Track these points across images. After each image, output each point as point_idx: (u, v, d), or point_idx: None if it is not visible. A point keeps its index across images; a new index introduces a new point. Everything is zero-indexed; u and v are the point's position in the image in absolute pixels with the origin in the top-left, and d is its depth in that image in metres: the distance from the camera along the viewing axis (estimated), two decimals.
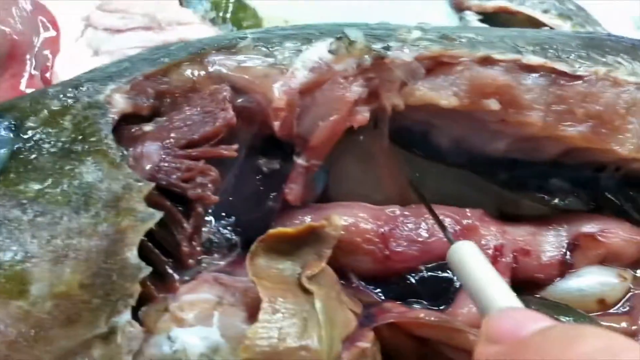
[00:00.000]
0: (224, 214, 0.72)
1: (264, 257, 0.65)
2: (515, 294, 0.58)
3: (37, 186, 0.64)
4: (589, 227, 0.78)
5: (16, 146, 0.66)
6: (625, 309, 0.76)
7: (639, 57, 0.80)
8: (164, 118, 0.70)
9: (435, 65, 0.74)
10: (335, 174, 0.77)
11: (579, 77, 0.75)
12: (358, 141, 0.76)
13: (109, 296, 0.61)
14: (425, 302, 0.73)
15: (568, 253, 0.77)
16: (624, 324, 0.75)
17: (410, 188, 0.77)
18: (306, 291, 0.64)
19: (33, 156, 0.66)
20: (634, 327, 0.75)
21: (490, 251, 0.74)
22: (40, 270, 0.61)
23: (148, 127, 0.70)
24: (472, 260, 0.61)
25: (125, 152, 0.67)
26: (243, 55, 0.73)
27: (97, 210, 0.63)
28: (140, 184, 0.64)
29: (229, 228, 0.72)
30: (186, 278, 0.67)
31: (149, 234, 0.65)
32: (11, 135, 0.67)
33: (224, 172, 0.71)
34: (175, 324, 0.63)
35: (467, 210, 0.76)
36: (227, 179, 0.72)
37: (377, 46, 0.73)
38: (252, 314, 0.63)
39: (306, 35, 0.75)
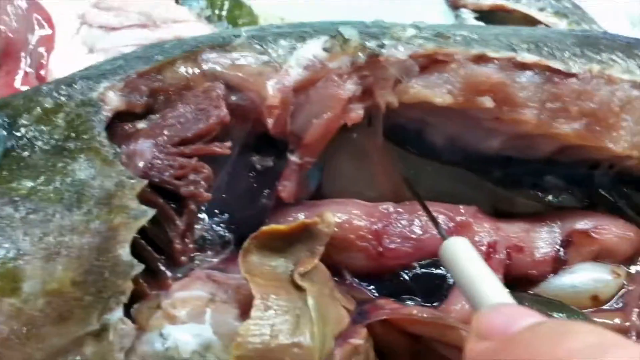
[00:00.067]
0: (217, 211, 0.72)
1: (256, 254, 0.65)
2: (507, 291, 0.58)
3: (29, 184, 0.64)
4: (582, 224, 0.78)
5: (9, 144, 0.66)
6: (618, 306, 0.76)
7: (633, 55, 0.80)
8: (158, 116, 0.70)
9: (430, 63, 0.74)
10: (329, 171, 0.77)
11: (573, 75, 0.75)
12: (352, 139, 0.76)
13: (101, 293, 0.61)
14: (418, 299, 0.73)
15: (562, 249, 0.77)
16: (617, 320, 0.75)
17: (405, 185, 0.77)
18: (299, 288, 0.64)
19: (26, 154, 0.66)
20: (627, 323, 0.75)
21: (483, 248, 0.74)
22: (33, 267, 0.61)
23: (141, 125, 0.70)
24: (464, 257, 0.61)
25: (118, 150, 0.67)
26: (237, 53, 0.73)
27: (90, 207, 0.63)
28: (132, 181, 0.64)
29: (222, 225, 0.72)
30: (179, 275, 0.67)
31: (142, 231, 0.65)
32: (4, 132, 0.67)
33: (218, 170, 0.71)
34: (167, 321, 0.63)
35: (461, 207, 0.76)
36: (221, 176, 0.72)
37: (372, 44, 0.73)
38: (245, 311, 0.63)
39: (301, 33, 0.75)
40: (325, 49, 0.73)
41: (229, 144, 0.69)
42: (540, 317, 0.50)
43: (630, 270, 0.78)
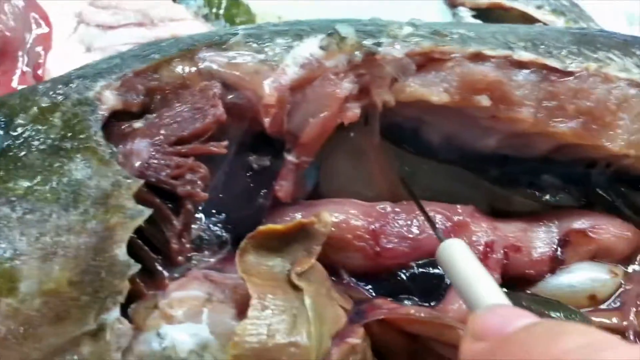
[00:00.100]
0: (214, 211, 0.72)
1: (253, 253, 0.65)
2: (503, 292, 0.58)
3: (26, 183, 0.64)
4: (580, 223, 0.78)
5: (5, 143, 0.66)
6: (616, 305, 0.76)
7: (630, 53, 0.80)
8: (154, 115, 0.70)
9: (426, 62, 0.74)
10: (326, 170, 0.77)
11: (570, 73, 0.75)
12: (349, 138, 0.76)
13: (97, 293, 0.61)
14: (416, 299, 0.73)
15: (559, 249, 0.77)
16: (614, 320, 0.75)
17: (401, 185, 0.77)
18: (296, 288, 0.64)
19: (22, 153, 0.66)
20: (624, 323, 0.75)
21: (481, 247, 0.74)
22: (29, 267, 0.61)
23: (138, 124, 0.70)
24: (461, 258, 0.62)
25: (114, 149, 0.67)
26: (234, 51, 0.73)
27: (86, 207, 0.63)
28: (129, 181, 0.64)
29: (219, 225, 0.72)
30: (176, 275, 0.67)
31: (139, 231, 0.65)
32: (1, 132, 0.67)
33: (214, 169, 0.71)
34: (164, 321, 0.63)
35: (458, 206, 0.76)
36: (218, 175, 0.72)
37: (368, 42, 0.73)
38: (242, 310, 0.63)
39: (297, 31, 0.75)
40: (322, 48, 0.72)
41: (225, 143, 0.69)
42: (535, 318, 0.50)
43: (627, 270, 0.78)
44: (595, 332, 0.47)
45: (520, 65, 0.74)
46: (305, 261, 0.65)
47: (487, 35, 0.77)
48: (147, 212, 0.64)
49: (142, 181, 0.65)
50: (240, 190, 0.73)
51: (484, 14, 1.20)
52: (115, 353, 0.62)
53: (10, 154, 0.66)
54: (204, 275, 0.67)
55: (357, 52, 0.72)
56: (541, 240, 0.77)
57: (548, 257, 0.77)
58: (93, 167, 0.64)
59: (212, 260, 0.70)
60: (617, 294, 0.77)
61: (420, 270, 0.74)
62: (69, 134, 0.66)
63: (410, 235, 0.74)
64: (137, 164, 0.66)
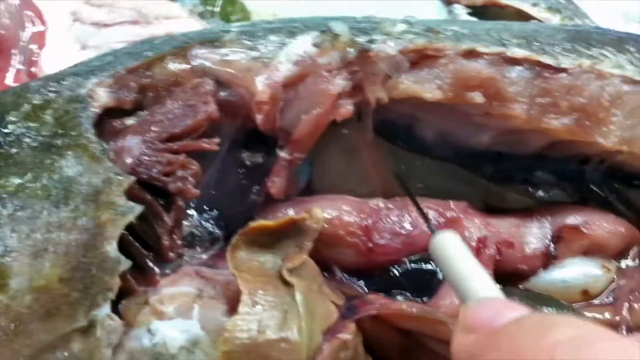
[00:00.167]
0: (206, 207, 0.72)
1: (245, 250, 0.65)
2: (496, 285, 0.58)
3: (17, 180, 0.64)
4: (573, 219, 0.78)
5: None
6: (608, 300, 0.76)
7: (624, 50, 0.79)
8: (146, 112, 0.70)
9: (420, 59, 0.74)
10: (319, 167, 0.77)
11: (563, 70, 0.75)
12: (342, 134, 0.76)
13: (88, 290, 0.61)
14: (408, 294, 0.73)
15: (552, 245, 0.77)
16: (607, 315, 0.75)
17: (395, 180, 0.77)
18: (287, 283, 0.64)
19: (14, 150, 0.66)
20: (617, 318, 0.75)
21: (473, 243, 0.74)
22: (20, 264, 0.61)
23: (130, 121, 0.70)
24: (453, 251, 0.61)
25: (106, 146, 0.67)
26: (227, 48, 0.73)
27: (77, 204, 0.63)
28: (120, 177, 0.64)
29: (211, 222, 0.72)
30: (167, 272, 0.67)
31: (130, 228, 0.65)
32: None
33: (207, 166, 0.71)
34: (155, 317, 0.63)
35: (451, 202, 0.76)
36: (210, 172, 0.72)
37: (362, 39, 0.73)
38: (233, 306, 0.63)
39: (291, 28, 0.75)
40: (315, 45, 0.72)
41: (217, 140, 0.69)
42: (526, 311, 0.50)
43: (620, 265, 0.78)
44: (586, 324, 0.46)
45: (514, 62, 0.74)
46: (297, 257, 0.65)
47: (481, 32, 0.77)
48: (138, 208, 0.64)
49: (133, 178, 0.65)
50: (233, 186, 0.73)
51: (479, 11, 1.20)
52: (106, 349, 0.62)
53: (2, 151, 0.66)
54: (195, 271, 0.67)
55: (350, 49, 0.72)
56: (534, 235, 0.77)
57: (541, 252, 0.77)
58: (84, 164, 0.64)
59: (204, 256, 0.70)
60: (609, 289, 0.77)
61: (413, 266, 0.73)
62: (61, 131, 0.66)
63: (403, 232, 0.74)
64: (129, 160, 0.66)
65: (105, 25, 1.06)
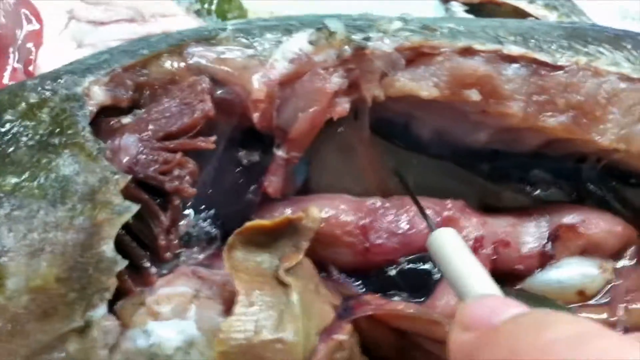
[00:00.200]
0: (203, 207, 0.72)
1: (241, 249, 0.65)
2: (494, 282, 0.57)
3: (14, 180, 0.64)
4: (569, 218, 0.78)
5: None
6: (605, 300, 0.76)
7: (621, 47, 0.79)
8: (143, 110, 0.70)
9: (416, 56, 0.74)
10: (316, 165, 0.77)
11: (560, 67, 0.75)
12: (338, 133, 0.76)
13: (85, 290, 0.61)
14: (405, 295, 0.73)
15: (549, 244, 0.77)
16: (603, 315, 0.75)
17: (395, 177, 0.77)
18: (283, 284, 0.64)
19: (10, 149, 0.65)
20: (613, 319, 0.75)
21: (470, 242, 0.74)
22: (17, 264, 0.61)
23: (126, 120, 0.69)
24: (452, 247, 0.61)
25: (102, 145, 0.66)
26: (223, 46, 0.73)
27: (74, 203, 0.63)
28: (117, 176, 0.64)
29: (208, 221, 0.72)
30: (164, 272, 0.67)
31: (127, 227, 0.65)
32: None
33: (203, 165, 0.71)
34: (151, 318, 0.63)
35: (448, 201, 0.76)
36: (207, 171, 0.72)
37: (358, 37, 0.73)
38: (230, 307, 0.63)
39: (287, 26, 0.75)
40: (311, 42, 0.72)
41: (213, 138, 0.69)
42: (524, 308, 0.50)
43: (617, 265, 0.78)
44: (583, 321, 0.46)
45: (510, 59, 0.74)
46: (293, 257, 0.65)
47: (477, 29, 0.76)
48: (135, 207, 0.64)
49: (129, 177, 0.64)
50: (230, 186, 0.73)
51: (476, 8, 1.19)
52: (102, 350, 0.62)
53: None
54: (192, 271, 0.67)
55: (346, 47, 0.72)
56: (531, 235, 0.77)
57: (537, 252, 0.76)
58: (81, 163, 0.64)
59: (201, 256, 0.70)
60: (606, 289, 0.77)
61: (410, 266, 0.73)
62: (57, 130, 0.66)
63: (400, 231, 0.73)
64: (125, 159, 0.66)
65: (102, 24, 1.06)
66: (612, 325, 0.74)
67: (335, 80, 0.71)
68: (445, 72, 0.73)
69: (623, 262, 0.78)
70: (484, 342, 0.48)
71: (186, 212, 0.71)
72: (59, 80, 0.70)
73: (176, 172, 0.67)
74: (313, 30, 0.73)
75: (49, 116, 0.67)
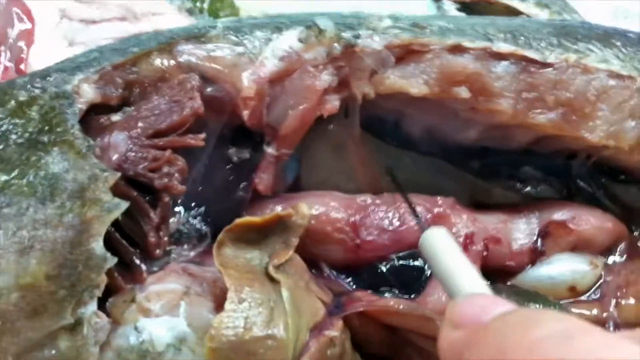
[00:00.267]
0: (193, 204, 0.72)
1: (231, 246, 0.65)
2: (484, 281, 0.58)
3: (3, 177, 0.64)
4: (560, 215, 0.78)
5: None
6: (596, 296, 0.76)
7: (611, 44, 0.80)
8: (132, 108, 0.70)
9: (406, 54, 0.74)
10: (306, 163, 0.77)
11: (549, 65, 0.75)
12: (329, 130, 0.76)
13: (74, 287, 0.61)
14: (396, 291, 0.73)
15: (539, 241, 0.77)
16: (594, 311, 0.75)
17: (386, 174, 0.77)
18: (273, 280, 0.64)
19: (0, 147, 0.65)
20: (604, 314, 0.75)
21: (461, 239, 0.74)
22: (6, 261, 0.60)
23: (116, 117, 0.69)
24: (442, 247, 0.61)
25: (92, 142, 0.66)
26: (212, 44, 0.73)
27: (63, 200, 0.62)
28: (106, 174, 0.64)
29: (198, 218, 0.72)
30: (155, 269, 0.67)
31: (117, 225, 0.65)
32: None
33: (194, 162, 0.71)
34: (141, 315, 0.63)
35: (439, 198, 0.76)
36: (197, 169, 0.72)
37: (347, 34, 0.73)
38: (221, 304, 0.63)
39: (276, 24, 0.75)
40: (300, 40, 0.72)
41: (203, 135, 0.69)
42: (512, 306, 0.50)
43: (608, 261, 0.78)
44: (570, 319, 0.46)
45: (500, 56, 0.74)
46: (283, 254, 0.65)
47: (467, 27, 0.77)
48: (124, 205, 0.63)
49: (118, 174, 0.64)
50: (220, 183, 0.73)
51: (468, 7, 1.20)
52: (93, 347, 0.61)
53: None
54: (182, 268, 0.67)
55: (336, 45, 0.72)
56: (521, 231, 0.77)
57: (528, 248, 0.77)
58: (70, 160, 0.64)
59: (192, 253, 0.70)
60: (597, 285, 0.77)
61: (401, 262, 0.73)
62: (47, 128, 0.66)
63: (391, 228, 0.74)
64: (115, 157, 0.66)
65: (94, 22, 1.06)
66: (603, 321, 0.74)
67: (325, 78, 0.72)
68: (434, 70, 0.73)
69: (613, 258, 0.79)
70: (473, 340, 0.48)
71: (177, 209, 0.71)
72: (49, 78, 0.70)
73: (165, 169, 0.67)
74: (303, 28, 0.73)
75: (38, 114, 0.67)
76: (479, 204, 0.79)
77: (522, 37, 0.76)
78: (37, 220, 0.62)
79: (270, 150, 0.72)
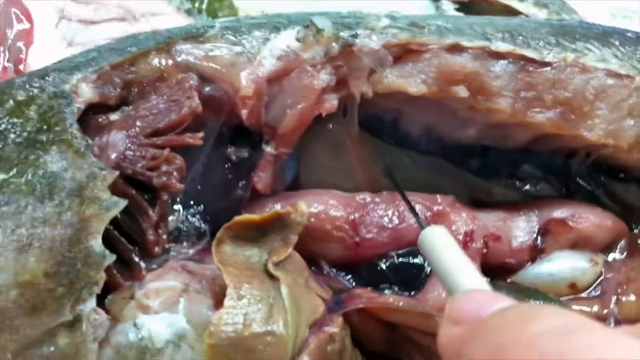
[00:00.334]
0: (193, 202, 0.72)
1: (230, 244, 0.65)
2: (484, 278, 0.58)
3: (2, 176, 0.64)
4: (559, 213, 0.78)
5: None
6: (596, 293, 0.76)
7: (609, 43, 0.80)
8: (131, 107, 0.70)
9: (404, 53, 0.74)
10: (305, 162, 0.77)
11: (547, 64, 0.75)
12: (328, 129, 0.76)
13: (73, 284, 0.61)
14: (396, 288, 0.73)
15: (539, 238, 0.77)
16: (595, 308, 0.75)
17: (385, 173, 0.77)
18: (272, 277, 0.64)
19: None
20: (605, 311, 0.75)
21: (460, 237, 0.74)
22: (5, 259, 0.61)
23: (114, 117, 0.69)
24: (442, 245, 0.61)
25: (90, 141, 0.66)
26: (211, 44, 0.73)
27: (61, 199, 0.62)
28: (104, 172, 0.64)
29: (198, 217, 0.72)
30: (154, 266, 0.67)
31: (116, 223, 0.65)
32: None
33: (192, 161, 0.71)
34: (141, 311, 0.63)
35: (438, 196, 0.76)
36: (196, 167, 0.72)
37: (345, 34, 0.73)
38: (219, 301, 0.63)
39: (275, 24, 0.75)
40: (298, 39, 0.72)
41: (201, 134, 0.69)
42: (511, 302, 0.50)
43: (608, 258, 0.78)
44: (570, 314, 0.46)
45: (498, 56, 0.75)
46: (282, 251, 0.65)
47: (465, 26, 0.77)
48: (122, 203, 0.63)
49: (116, 172, 0.64)
50: (219, 182, 0.73)
51: (466, 7, 1.20)
52: (92, 344, 0.61)
53: None
54: (181, 265, 0.67)
55: (334, 44, 0.72)
56: (521, 229, 0.77)
57: (528, 246, 0.77)
58: (68, 159, 0.64)
59: (191, 251, 0.70)
60: (597, 282, 0.77)
61: (400, 260, 0.74)
62: (45, 127, 0.66)
63: (390, 225, 0.74)
64: (113, 155, 0.66)
65: (92, 23, 1.06)
66: (603, 318, 0.74)
67: (323, 77, 0.72)
68: (433, 69, 0.73)
69: (613, 256, 0.79)
70: (472, 335, 0.48)
71: (176, 207, 0.71)
72: (47, 77, 0.70)
73: (164, 167, 0.67)
74: (301, 28, 0.73)
75: (36, 113, 0.67)
76: (478, 203, 0.79)
77: (520, 37, 0.76)
78: (35, 218, 0.62)
79: (268, 149, 0.72)
